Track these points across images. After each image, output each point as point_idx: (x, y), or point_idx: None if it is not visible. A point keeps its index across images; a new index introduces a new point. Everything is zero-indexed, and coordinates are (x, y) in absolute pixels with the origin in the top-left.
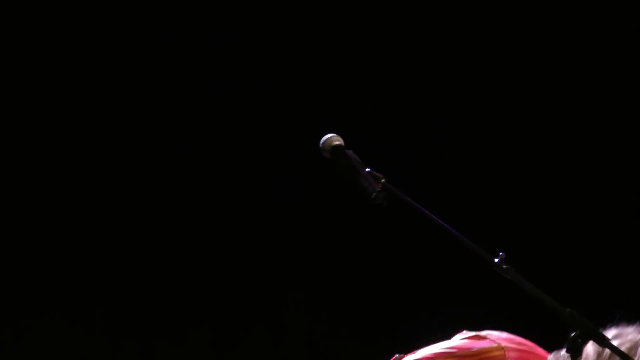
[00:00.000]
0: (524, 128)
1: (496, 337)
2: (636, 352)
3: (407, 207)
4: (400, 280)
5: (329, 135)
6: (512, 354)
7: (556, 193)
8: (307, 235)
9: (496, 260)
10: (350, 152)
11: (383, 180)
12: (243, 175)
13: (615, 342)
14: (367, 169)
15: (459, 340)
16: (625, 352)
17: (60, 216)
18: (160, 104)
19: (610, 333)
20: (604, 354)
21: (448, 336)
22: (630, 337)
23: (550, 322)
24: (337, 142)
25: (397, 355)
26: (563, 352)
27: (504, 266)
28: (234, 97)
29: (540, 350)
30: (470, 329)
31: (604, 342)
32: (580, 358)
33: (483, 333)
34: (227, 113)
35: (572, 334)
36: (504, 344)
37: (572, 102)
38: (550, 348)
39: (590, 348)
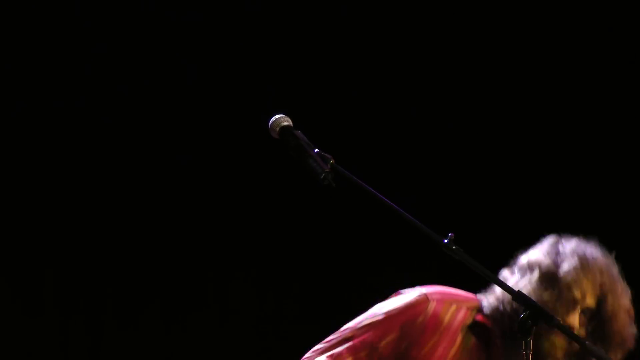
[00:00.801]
0: (472, 106)
1: (419, 288)
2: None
3: (356, 188)
4: (349, 261)
5: (277, 116)
6: (436, 296)
7: (505, 171)
8: (256, 215)
9: (445, 240)
10: (298, 132)
11: (332, 161)
12: (197, 153)
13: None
14: (316, 150)
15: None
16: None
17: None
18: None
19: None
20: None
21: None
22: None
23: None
24: (285, 123)
25: None
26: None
27: (453, 247)
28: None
29: (465, 293)
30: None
31: (552, 322)
32: (530, 338)
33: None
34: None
35: (522, 315)
36: (424, 290)
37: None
38: None
39: (498, 290)
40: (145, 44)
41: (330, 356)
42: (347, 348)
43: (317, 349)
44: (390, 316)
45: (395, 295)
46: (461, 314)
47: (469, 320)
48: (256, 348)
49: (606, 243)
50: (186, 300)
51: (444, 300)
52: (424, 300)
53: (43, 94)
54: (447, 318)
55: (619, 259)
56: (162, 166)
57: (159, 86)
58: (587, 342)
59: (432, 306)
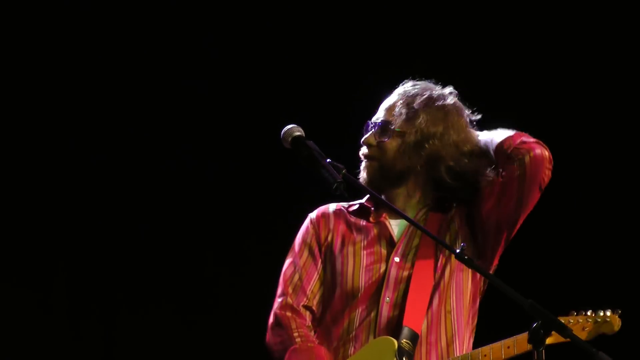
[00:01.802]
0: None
1: None
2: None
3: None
4: None
5: (289, 126)
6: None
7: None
8: (268, 218)
9: (458, 250)
10: (310, 142)
11: (344, 171)
12: (209, 158)
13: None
14: (328, 160)
15: None
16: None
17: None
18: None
19: None
20: None
21: None
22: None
23: (511, 313)
24: (297, 133)
25: None
26: None
27: (466, 257)
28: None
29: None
30: None
31: (564, 332)
32: (543, 347)
33: None
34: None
35: (534, 325)
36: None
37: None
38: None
39: None
40: (153, 47)
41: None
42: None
43: (279, 298)
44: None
45: None
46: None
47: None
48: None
49: (607, 243)
50: (197, 297)
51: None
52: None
53: (56, 96)
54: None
55: (619, 259)
56: (177, 168)
57: (172, 94)
58: (599, 352)
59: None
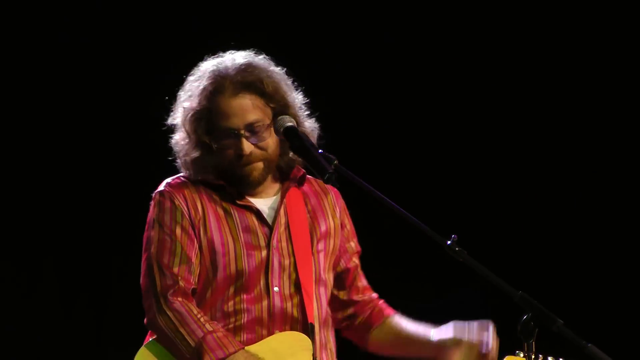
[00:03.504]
0: (475, 110)
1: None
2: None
3: (359, 188)
4: None
5: (281, 117)
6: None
7: (508, 176)
8: None
9: (448, 242)
10: (302, 133)
11: (336, 162)
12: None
13: None
14: (320, 151)
15: None
16: None
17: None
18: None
19: None
20: None
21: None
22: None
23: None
24: (289, 124)
25: None
26: None
27: (457, 248)
28: None
29: None
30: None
31: (555, 324)
32: (533, 339)
33: None
34: None
35: (524, 317)
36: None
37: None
38: (501, 332)
39: None
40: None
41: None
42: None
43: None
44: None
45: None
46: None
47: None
48: None
49: (611, 243)
50: None
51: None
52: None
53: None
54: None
55: (619, 259)
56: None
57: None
58: (589, 345)
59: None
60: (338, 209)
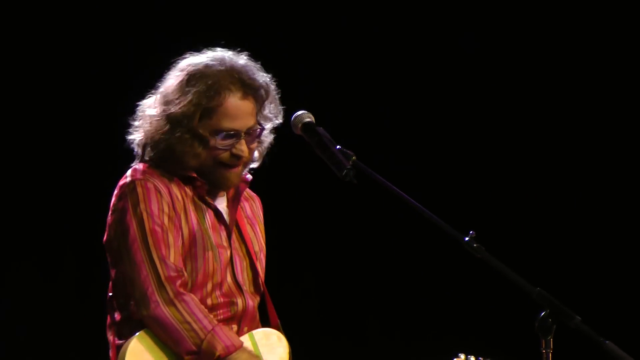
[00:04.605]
0: (495, 108)
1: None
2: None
3: (377, 184)
4: (367, 256)
5: (299, 112)
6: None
7: (527, 173)
8: (277, 209)
9: (466, 238)
10: (320, 129)
11: (354, 158)
12: None
13: None
14: (338, 147)
15: None
16: None
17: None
18: None
19: None
20: None
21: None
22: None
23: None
24: (307, 119)
25: None
26: None
27: (474, 245)
28: None
29: None
30: None
31: (572, 321)
32: (551, 336)
33: None
34: None
35: (542, 314)
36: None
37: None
38: (518, 330)
39: None
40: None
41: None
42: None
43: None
44: None
45: None
46: None
47: None
48: None
49: (628, 239)
50: None
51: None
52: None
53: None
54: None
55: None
56: None
57: None
58: (607, 342)
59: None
60: (261, 219)
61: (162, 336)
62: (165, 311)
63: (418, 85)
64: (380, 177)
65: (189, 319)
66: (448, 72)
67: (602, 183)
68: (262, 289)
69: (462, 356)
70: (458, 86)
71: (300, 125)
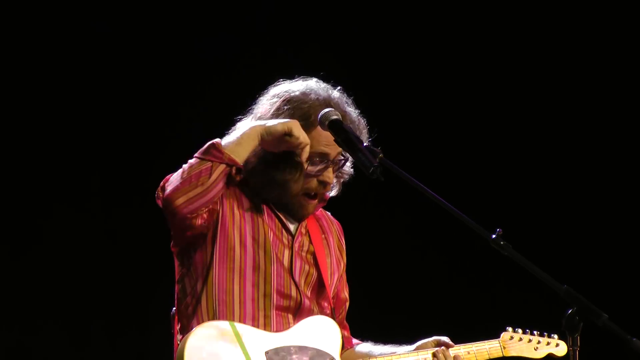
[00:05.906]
0: (519, 108)
1: None
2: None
3: (404, 182)
4: (395, 253)
5: (326, 110)
6: None
7: (554, 173)
8: None
9: (493, 236)
10: (347, 126)
11: (381, 155)
12: None
13: None
14: (365, 144)
15: None
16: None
17: None
18: None
19: None
20: None
21: None
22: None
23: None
24: (334, 117)
25: None
26: None
27: (502, 242)
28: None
29: None
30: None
31: (600, 318)
32: (578, 333)
33: None
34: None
35: (569, 311)
36: None
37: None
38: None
39: None
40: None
41: None
42: None
43: None
44: None
45: None
46: None
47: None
48: None
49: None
50: None
51: None
52: None
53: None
54: None
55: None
56: None
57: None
58: (634, 339)
59: None
60: (343, 246)
61: (182, 183)
62: (183, 168)
63: (444, 83)
64: (407, 174)
65: (196, 164)
66: (480, 73)
67: (630, 182)
68: (330, 303)
69: (510, 329)
70: (486, 84)
71: (327, 122)
